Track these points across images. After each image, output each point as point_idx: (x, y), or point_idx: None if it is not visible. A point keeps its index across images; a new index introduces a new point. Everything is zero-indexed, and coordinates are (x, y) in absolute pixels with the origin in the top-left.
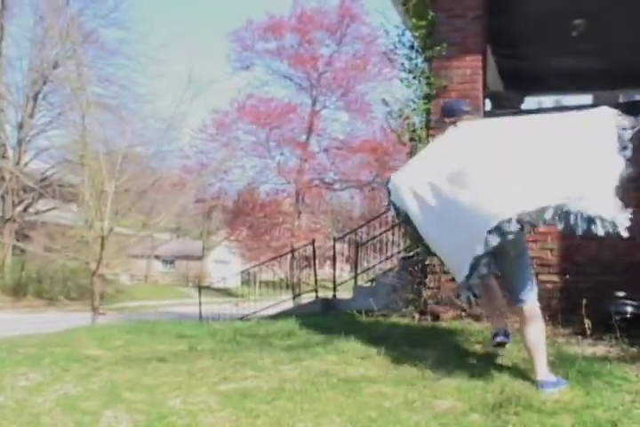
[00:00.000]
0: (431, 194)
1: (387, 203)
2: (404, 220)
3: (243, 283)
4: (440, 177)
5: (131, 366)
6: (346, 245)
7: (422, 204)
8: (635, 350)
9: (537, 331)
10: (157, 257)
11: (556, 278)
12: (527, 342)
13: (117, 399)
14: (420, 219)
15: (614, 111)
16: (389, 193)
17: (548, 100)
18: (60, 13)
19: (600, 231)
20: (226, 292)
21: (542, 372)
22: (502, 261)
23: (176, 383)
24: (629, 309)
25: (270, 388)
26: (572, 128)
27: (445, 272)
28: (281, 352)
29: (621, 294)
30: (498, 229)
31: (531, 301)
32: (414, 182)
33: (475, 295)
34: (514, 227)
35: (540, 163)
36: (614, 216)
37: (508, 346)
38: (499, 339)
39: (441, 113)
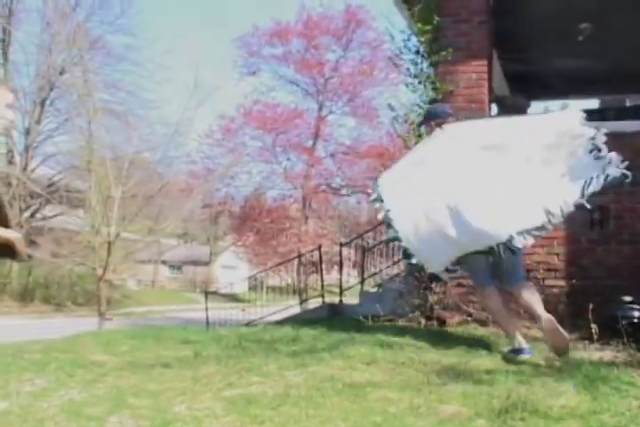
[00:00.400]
0: (421, 189)
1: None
2: (384, 209)
3: (250, 288)
4: (429, 172)
5: (136, 372)
6: (353, 251)
7: (409, 196)
8: None
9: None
10: (164, 262)
11: (562, 283)
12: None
13: (122, 405)
14: (401, 207)
15: (581, 116)
16: (376, 185)
17: (554, 105)
18: (67, 20)
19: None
20: (233, 297)
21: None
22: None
23: (181, 389)
24: (636, 313)
25: (275, 394)
26: (552, 130)
27: (452, 278)
28: (286, 358)
29: (628, 298)
30: (505, 244)
31: None
32: (401, 177)
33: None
34: (519, 243)
35: (529, 172)
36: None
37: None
38: (523, 357)
39: (426, 117)
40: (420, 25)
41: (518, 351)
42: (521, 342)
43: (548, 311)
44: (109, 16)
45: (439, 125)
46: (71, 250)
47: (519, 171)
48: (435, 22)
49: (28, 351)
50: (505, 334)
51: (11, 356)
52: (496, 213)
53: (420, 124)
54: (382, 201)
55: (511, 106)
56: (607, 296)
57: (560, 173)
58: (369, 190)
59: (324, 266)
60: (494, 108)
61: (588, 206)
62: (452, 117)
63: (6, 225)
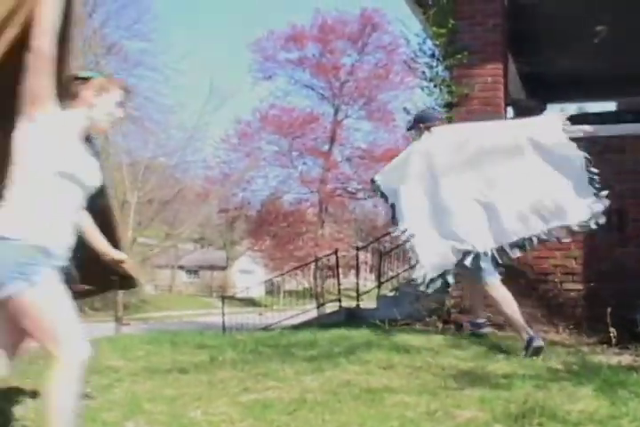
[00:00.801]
0: (423, 189)
1: (374, 192)
2: (392, 209)
3: (267, 293)
4: (424, 176)
5: (151, 377)
6: (369, 255)
7: (411, 196)
8: None
9: None
10: (181, 267)
11: (580, 286)
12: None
13: (138, 411)
14: (407, 208)
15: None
16: (376, 186)
17: (570, 107)
18: (83, 25)
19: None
20: (250, 301)
21: None
22: None
23: (197, 394)
24: None
25: (292, 399)
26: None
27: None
28: (303, 363)
29: None
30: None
31: None
32: (400, 178)
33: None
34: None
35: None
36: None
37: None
38: (538, 343)
39: (416, 120)
40: (435, 28)
41: (531, 341)
42: (529, 330)
43: (566, 315)
44: (126, 21)
45: (428, 129)
46: None
47: (514, 176)
48: (450, 25)
49: (44, 357)
50: (513, 325)
51: (27, 361)
52: (497, 220)
53: (409, 129)
54: (387, 198)
55: (527, 109)
56: (625, 300)
57: (557, 184)
58: (375, 191)
59: (340, 270)
60: (510, 111)
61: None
62: (439, 121)
63: (116, 245)
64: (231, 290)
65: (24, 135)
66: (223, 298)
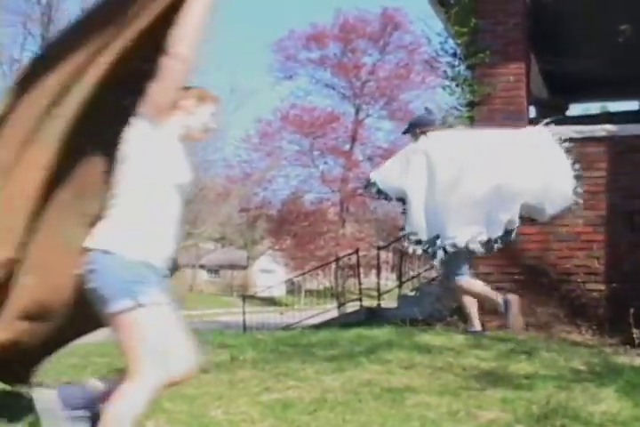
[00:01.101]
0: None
1: (367, 187)
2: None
3: (288, 292)
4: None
5: None
6: (390, 254)
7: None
8: None
9: None
10: (202, 266)
11: (602, 287)
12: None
13: (158, 410)
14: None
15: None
16: (372, 184)
17: (594, 107)
18: None
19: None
20: (271, 301)
21: None
22: None
23: (217, 394)
24: None
25: (312, 398)
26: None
27: (492, 282)
28: (323, 362)
29: None
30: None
31: None
32: (401, 174)
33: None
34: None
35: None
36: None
37: (548, 356)
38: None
39: (412, 125)
40: (456, 27)
41: (507, 303)
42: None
43: (588, 315)
44: None
45: (424, 133)
46: None
47: (512, 175)
48: (471, 25)
49: (64, 356)
50: (493, 302)
51: (47, 360)
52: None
53: (405, 132)
54: (387, 195)
55: (549, 108)
56: None
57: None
58: (369, 188)
59: (361, 269)
60: (532, 111)
61: None
62: (434, 126)
63: None
64: (252, 289)
65: (139, 142)
66: (244, 297)
